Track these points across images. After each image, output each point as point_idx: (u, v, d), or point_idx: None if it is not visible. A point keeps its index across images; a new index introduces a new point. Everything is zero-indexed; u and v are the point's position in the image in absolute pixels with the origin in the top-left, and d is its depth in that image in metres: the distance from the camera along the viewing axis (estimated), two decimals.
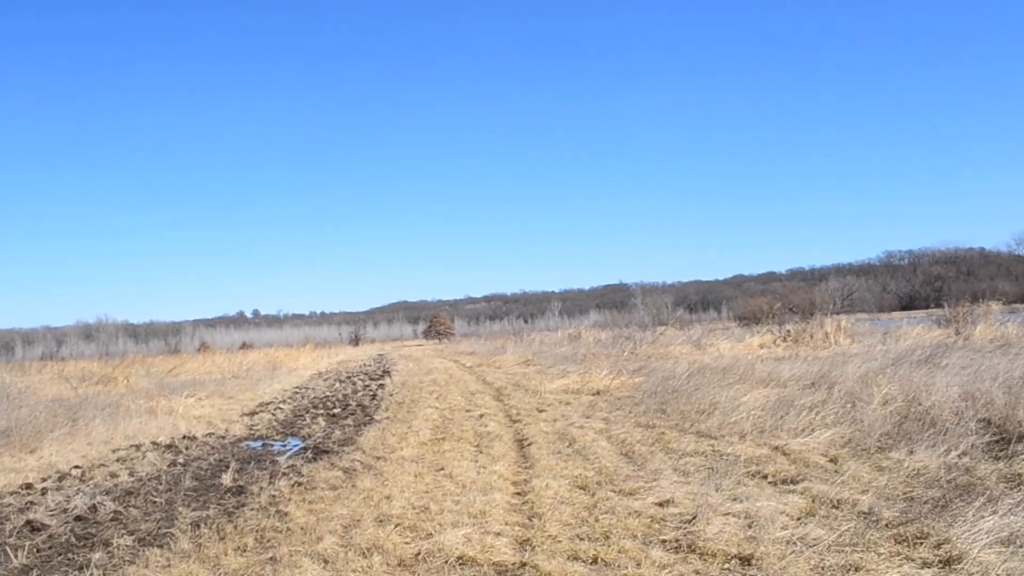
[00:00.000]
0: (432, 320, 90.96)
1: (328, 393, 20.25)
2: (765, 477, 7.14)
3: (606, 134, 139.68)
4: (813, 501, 6.15)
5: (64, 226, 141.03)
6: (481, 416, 13.10)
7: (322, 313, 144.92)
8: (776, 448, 8.45)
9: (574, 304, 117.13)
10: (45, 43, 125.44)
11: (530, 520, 5.98)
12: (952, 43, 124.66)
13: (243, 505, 6.91)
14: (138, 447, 11.32)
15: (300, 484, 7.62)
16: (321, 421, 14.19)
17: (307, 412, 15.96)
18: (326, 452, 10.30)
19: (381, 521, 6.05)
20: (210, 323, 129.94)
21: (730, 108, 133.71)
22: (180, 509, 6.78)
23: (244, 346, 79.26)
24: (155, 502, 7.25)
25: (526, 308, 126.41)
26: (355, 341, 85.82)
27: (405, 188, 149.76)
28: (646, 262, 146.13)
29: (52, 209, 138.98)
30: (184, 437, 12.43)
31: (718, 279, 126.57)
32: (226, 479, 7.98)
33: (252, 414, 15.96)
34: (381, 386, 21.42)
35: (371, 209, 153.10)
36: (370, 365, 35.34)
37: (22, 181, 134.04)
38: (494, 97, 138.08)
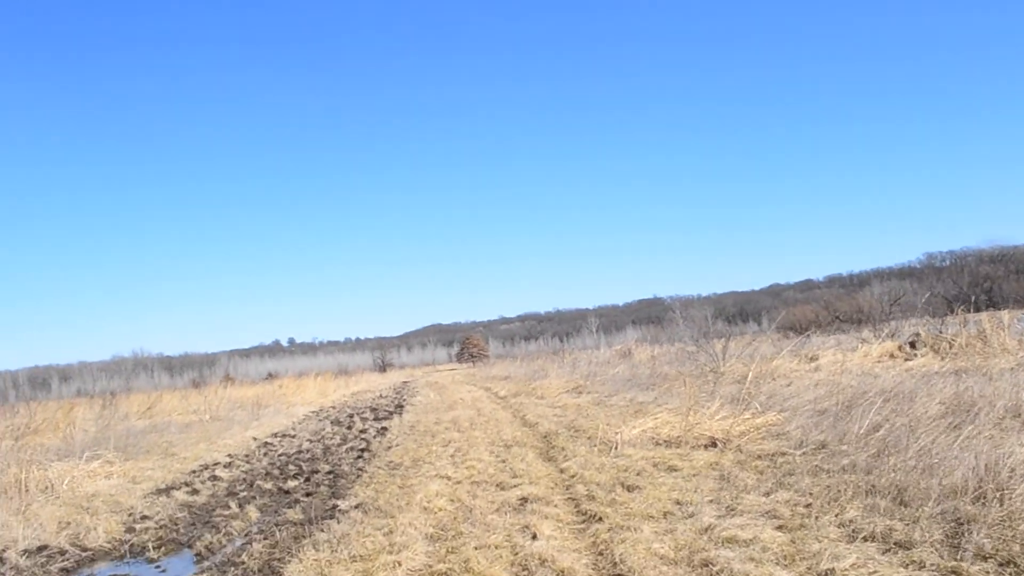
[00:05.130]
0: (465, 342, 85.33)
1: (308, 445, 14.45)
2: None
3: (635, 146, 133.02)
4: None
5: (103, 257, 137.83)
6: (523, 502, 7.18)
7: (356, 339, 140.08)
8: None
9: (609, 320, 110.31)
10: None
11: None
12: (986, 34, 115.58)
13: None
14: None
15: None
16: (253, 511, 8.39)
17: (249, 486, 10.19)
18: None
19: None
20: (245, 353, 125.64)
21: (758, 112, 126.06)
22: None
23: (270, 376, 74.73)
24: None
25: (561, 327, 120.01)
26: (382, 368, 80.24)
27: (438, 210, 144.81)
28: (680, 274, 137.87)
29: (87, 241, 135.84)
30: None
31: (754, 289, 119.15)
32: None
33: (166, 491, 10.23)
34: (383, 431, 15.59)
35: (404, 232, 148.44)
36: (385, 397, 29.55)
37: (54, 215, 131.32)
38: (521, 112, 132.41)
